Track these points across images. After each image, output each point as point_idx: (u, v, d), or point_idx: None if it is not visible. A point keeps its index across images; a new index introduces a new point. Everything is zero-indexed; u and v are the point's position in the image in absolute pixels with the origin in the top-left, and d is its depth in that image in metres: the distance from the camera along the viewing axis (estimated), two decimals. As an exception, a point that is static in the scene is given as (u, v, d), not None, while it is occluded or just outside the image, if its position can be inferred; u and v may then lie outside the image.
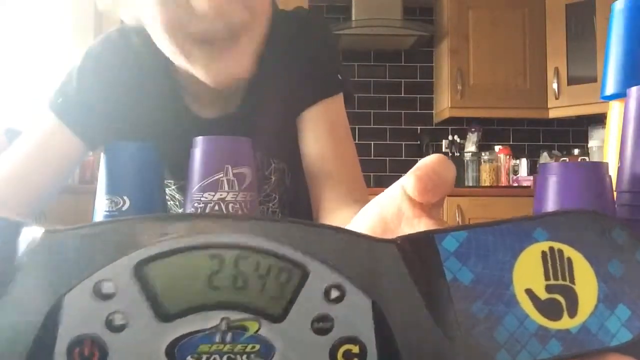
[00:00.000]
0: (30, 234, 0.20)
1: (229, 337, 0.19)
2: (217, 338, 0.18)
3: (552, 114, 3.06)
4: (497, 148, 3.19)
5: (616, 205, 0.43)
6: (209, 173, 0.45)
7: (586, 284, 0.21)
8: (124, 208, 0.48)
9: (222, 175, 0.45)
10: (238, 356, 0.18)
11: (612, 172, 0.46)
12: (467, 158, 3.20)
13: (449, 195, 2.85)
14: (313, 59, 0.76)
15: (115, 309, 0.18)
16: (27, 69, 2.65)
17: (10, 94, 2.60)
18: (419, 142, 3.31)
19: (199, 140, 0.47)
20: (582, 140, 3.27)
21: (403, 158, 3.31)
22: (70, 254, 0.19)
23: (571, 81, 2.98)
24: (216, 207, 0.45)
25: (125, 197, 0.48)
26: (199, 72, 0.62)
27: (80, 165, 2.88)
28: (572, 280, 0.21)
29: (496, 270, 0.21)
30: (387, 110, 3.32)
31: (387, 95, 3.33)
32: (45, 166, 0.70)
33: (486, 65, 3.04)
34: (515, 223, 0.22)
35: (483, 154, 3.17)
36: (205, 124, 0.74)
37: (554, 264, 0.21)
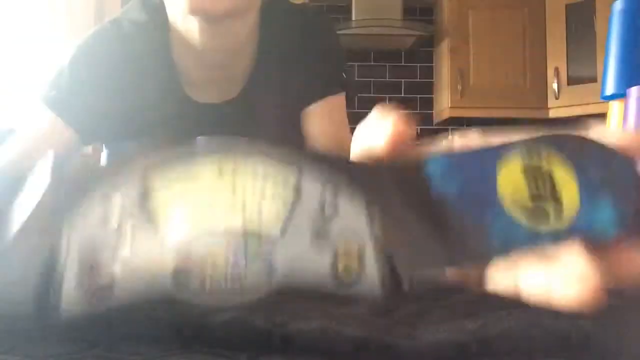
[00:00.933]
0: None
1: (230, 256, 0.19)
2: (221, 258, 0.19)
3: (552, 114, 3.06)
4: (497, 148, 3.18)
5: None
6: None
7: (568, 188, 0.22)
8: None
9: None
10: (241, 275, 0.19)
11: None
12: (467, 158, 3.19)
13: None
14: (321, 56, 0.76)
15: (120, 230, 0.19)
16: (26, 67, 2.65)
17: (9, 93, 2.59)
18: (419, 142, 3.30)
19: (198, 141, 0.47)
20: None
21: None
22: (78, 180, 0.20)
23: (571, 81, 2.98)
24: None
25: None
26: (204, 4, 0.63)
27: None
28: (554, 188, 0.22)
29: (480, 185, 0.22)
30: (387, 110, 3.31)
31: (387, 95, 3.32)
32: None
33: (486, 65, 3.03)
34: (494, 145, 0.23)
35: (483, 154, 3.17)
36: (204, 110, 0.74)
37: (534, 176, 0.22)
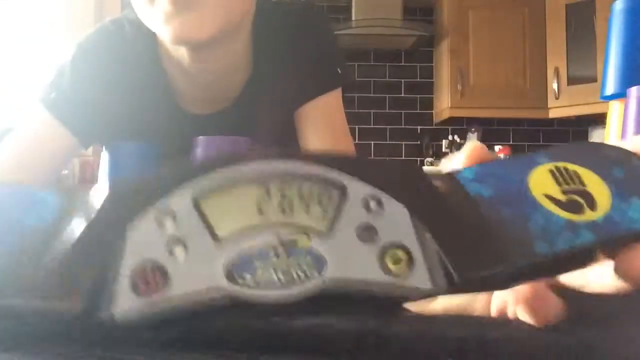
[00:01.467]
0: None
1: (281, 251, 0.20)
2: (271, 253, 0.20)
3: (552, 114, 3.06)
4: (497, 148, 3.18)
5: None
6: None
7: (597, 186, 0.23)
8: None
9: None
10: (292, 269, 0.20)
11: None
12: (467, 158, 3.19)
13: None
14: (311, 54, 0.75)
15: (174, 234, 0.20)
16: (25, 66, 2.65)
17: (9, 92, 2.59)
18: (419, 142, 3.31)
19: (198, 140, 0.47)
20: (582, 140, 3.26)
21: (403, 158, 3.30)
22: (131, 192, 0.21)
23: (571, 81, 2.98)
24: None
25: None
26: (163, 29, 0.62)
27: (81, 165, 2.88)
28: (583, 185, 0.23)
29: (513, 185, 0.23)
30: (387, 110, 3.32)
31: (387, 95, 3.33)
32: (37, 165, 0.69)
33: (486, 65, 3.04)
34: (520, 155, 0.24)
35: (483, 154, 3.17)
36: (196, 120, 0.74)
37: (562, 176, 0.23)
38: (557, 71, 3.01)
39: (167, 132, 0.72)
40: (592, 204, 0.22)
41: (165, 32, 0.62)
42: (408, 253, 0.20)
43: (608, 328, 0.24)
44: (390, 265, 0.20)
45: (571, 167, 0.23)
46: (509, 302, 0.25)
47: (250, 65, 0.74)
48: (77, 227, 0.20)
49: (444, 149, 3.29)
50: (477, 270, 0.20)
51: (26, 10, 2.77)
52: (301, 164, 0.21)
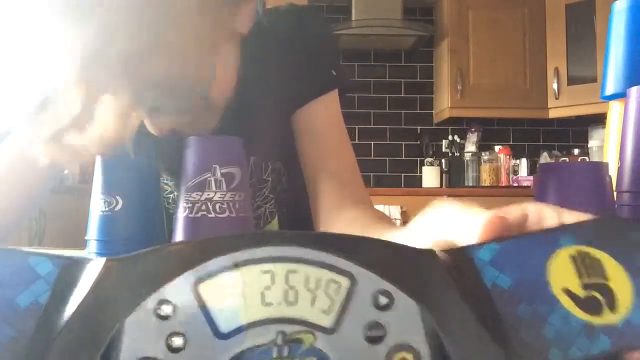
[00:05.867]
0: (93, 265, 0.20)
1: (285, 351, 0.19)
2: (275, 353, 0.19)
3: (552, 114, 3.06)
4: (497, 148, 3.18)
5: (616, 205, 0.42)
6: (197, 173, 0.45)
7: (620, 280, 0.21)
8: (117, 208, 0.48)
9: (209, 175, 0.45)
10: None
11: (612, 172, 0.46)
12: (467, 158, 3.19)
13: (448, 195, 2.84)
14: (306, 57, 0.73)
15: (174, 329, 0.19)
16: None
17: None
18: (419, 142, 3.31)
19: (190, 140, 0.47)
20: (582, 140, 3.26)
21: (403, 158, 3.30)
22: (128, 279, 0.19)
23: (571, 81, 2.98)
24: (203, 207, 0.45)
25: (118, 197, 0.48)
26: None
27: (80, 165, 2.88)
28: (605, 278, 0.21)
29: (532, 274, 0.21)
30: (387, 110, 3.32)
31: (387, 95, 3.32)
32: (15, 192, 0.67)
33: (486, 65, 3.03)
34: (542, 232, 0.23)
35: (483, 154, 3.17)
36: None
37: (584, 265, 0.21)
38: (557, 71, 3.01)
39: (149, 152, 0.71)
40: (612, 302, 0.21)
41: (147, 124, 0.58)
42: (417, 357, 0.19)
43: None
44: None
45: (594, 253, 0.22)
46: None
47: (239, 69, 0.73)
48: (71, 311, 0.19)
49: (444, 149, 3.29)
50: None
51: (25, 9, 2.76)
52: (308, 249, 0.20)
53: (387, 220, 0.65)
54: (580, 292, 0.21)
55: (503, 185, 3.09)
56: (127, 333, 0.18)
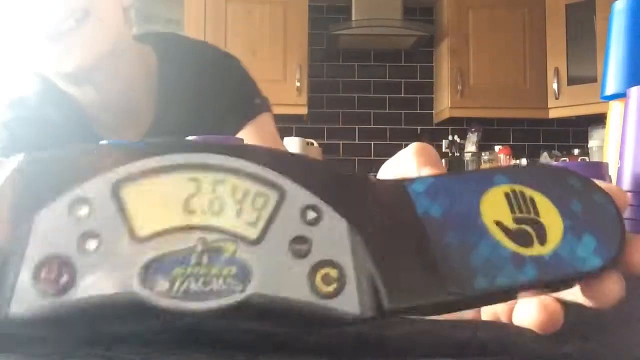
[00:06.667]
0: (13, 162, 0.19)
1: (205, 258, 0.18)
2: (193, 260, 0.18)
3: (552, 114, 3.06)
4: (497, 148, 3.18)
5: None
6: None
7: (551, 217, 0.22)
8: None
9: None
10: (214, 279, 0.18)
11: (612, 172, 0.46)
12: (467, 158, 3.19)
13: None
14: (229, 95, 0.80)
15: (88, 228, 0.18)
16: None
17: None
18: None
19: (191, 140, 0.47)
20: (582, 140, 3.26)
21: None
22: (45, 175, 0.18)
23: (571, 81, 2.98)
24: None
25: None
26: (54, 65, 0.68)
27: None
28: (537, 214, 0.22)
29: (464, 205, 0.22)
30: (387, 111, 3.32)
31: (387, 95, 3.32)
32: None
33: (486, 65, 3.03)
34: (479, 171, 0.23)
35: (483, 154, 3.17)
36: None
37: (517, 201, 0.22)
38: (557, 71, 3.01)
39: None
40: (542, 236, 0.21)
41: (58, 67, 0.68)
42: (341, 272, 0.19)
43: (606, 336, 0.24)
44: (320, 285, 0.19)
45: (528, 192, 0.22)
46: (500, 309, 0.25)
47: (156, 93, 0.79)
48: None
49: (444, 149, 3.29)
50: (409, 299, 0.19)
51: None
52: (240, 160, 0.19)
53: None
54: (512, 225, 0.21)
55: (503, 185, 3.09)
56: (36, 229, 0.17)
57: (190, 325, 0.19)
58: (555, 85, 3.01)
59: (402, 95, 3.34)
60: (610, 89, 0.56)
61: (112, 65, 0.73)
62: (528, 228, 0.21)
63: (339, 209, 0.20)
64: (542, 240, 0.21)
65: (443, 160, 3.21)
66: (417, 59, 3.34)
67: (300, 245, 0.19)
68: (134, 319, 0.18)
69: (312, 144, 2.98)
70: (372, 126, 3.29)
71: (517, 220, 0.22)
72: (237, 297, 0.18)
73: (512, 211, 0.22)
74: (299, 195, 0.19)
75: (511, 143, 3.28)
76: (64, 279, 0.17)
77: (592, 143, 3.08)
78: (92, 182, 0.18)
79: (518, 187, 0.22)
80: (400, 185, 0.22)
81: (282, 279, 0.18)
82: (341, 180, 0.21)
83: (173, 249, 0.18)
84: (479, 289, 0.20)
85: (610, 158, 0.54)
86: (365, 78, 3.30)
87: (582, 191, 0.22)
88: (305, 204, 0.19)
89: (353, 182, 0.21)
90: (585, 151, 3.15)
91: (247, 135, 0.78)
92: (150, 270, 0.18)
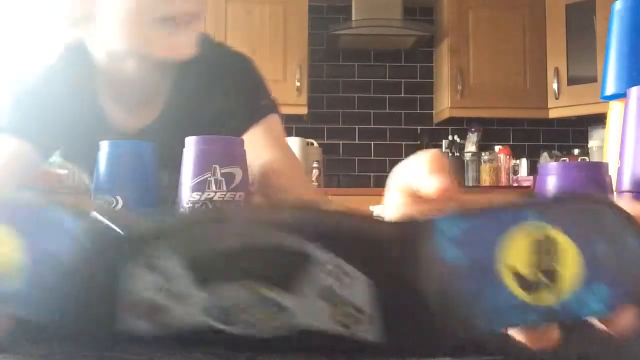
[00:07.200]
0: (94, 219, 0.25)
1: (252, 300, 0.23)
2: (243, 301, 0.23)
3: (552, 114, 3.06)
4: (497, 148, 3.18)
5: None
6: (198, 173, 0.45)
7: (570, 265, 0.22)
8: (117, 208, 0.48)
9: (209, 175, 0.45)
10: (260, 314, 0.23)
11: (612, 172, 0.46)
12: (467, 158, 3.19)
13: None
14: (240, 94, 0.82)
15: (164, 279, 0.23)
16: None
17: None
18: (419, 142, 3.31)
19: (190, 140, 0.47)
20: (582, 140, 3.26)
21: (403, 158, 3.27)
22: (126, 237, 0.24)
23: (571, 81, 2.98)
24: (203, 207, 0.45)
25: (117, 197, 0.48)
26: (157, 49, 0.70)
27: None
28: (556, 262, 0.22)
29: (485, 250, 0.22)
30: (387, 110, 3.32)
31: (387, 95, 3.32)
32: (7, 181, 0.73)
33: (486, 65, 3.03)
34: (507, 204, 0.23)
35: (483, 154, 3.17)
36: (123, 136, 0.79)
37: (539, 247, 0.22)
38: (557, 71, 3.01)
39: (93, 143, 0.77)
40: (555, 286, 0.22)
41: (162, 53, 0.71)
42: (359, 311, 0.23)
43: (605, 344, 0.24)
44: (342, 319, 0.23)
45: (555, 235, 0.22)
46: None
47: (168, 92, 0.81)
48: (85, 264, 0.24)
49: (444, 149, 3.28)
50: (417, 347, 0.23)
51: (26, 10, 2.77)
52: (272, 230, 0.23)
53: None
54: (527, 273, 0.22)
55: (503, 185, 3.09)
56: (127, 281, 0.23)
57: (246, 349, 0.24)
58: (555, 85, 3.01)
59: (402, 95, 3.34)
60: (610, 89, 0.56)
61: None
62: (543, 278, 0.22)
63: (360, 267, 0.23)
64: (554, 290, 0.22)
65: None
66: (417, 59, 3.34)
67: (326, 293, 0.23)
68: (204, 343, 0.23)
69: (312, 144, 2.98)
70: (372, 126, 3.29)
71: (534, 268, 0.22)
72: (279, 329, 0.23)
73: (532, 258, 0.22)
74: (322, 258, 0.23)
75: (511, 143, 3.28)
76: (154, 311, 0.23)
77: (592, 143, 3.08)
78: (162, 250, 0.23)
79: (545, 230, 0.22)
80: (429, 227, 0.23)
81: (314, 314, 0.23)
82: (363, 241, 0.23)
83: (229, 294, 0.23)
84: (482, 333, 0.21)
85: (610, 158, 0.54)
86: (365, 78, 3.30)
87: (615, 232, 0.22)
88: (328, 265, 0.23)
89: (376, 242, 0.23)
90: (585, 151, 3.15)
91: (255, 135, 0.78)
92: (214, 308, 0.23)
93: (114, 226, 0.24)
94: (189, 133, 0.76)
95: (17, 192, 0.26)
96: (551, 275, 0.22)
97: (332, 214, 0.24)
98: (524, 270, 0.22)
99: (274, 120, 0.83)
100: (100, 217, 0.24)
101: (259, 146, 0.77)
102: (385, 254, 0.23)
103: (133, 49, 0.72)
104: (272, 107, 0.84)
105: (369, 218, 0.24)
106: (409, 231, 0.23)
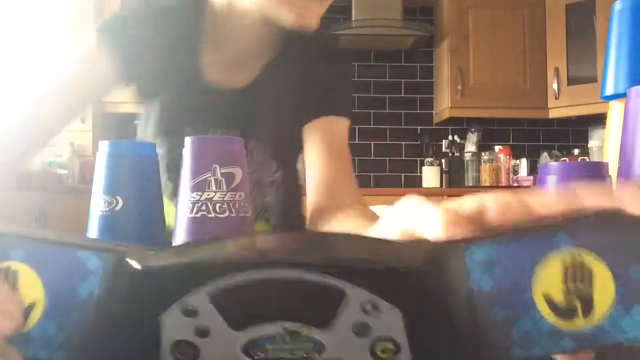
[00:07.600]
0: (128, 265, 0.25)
1: (287, 338, 0.24)
2: (279, 339, 0.24)
3: (552, 114, 3.06)
4: (497, 148, 3.18)
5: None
6: (198, 173, 0.45)
7: (604, 288, 0.22)
8: (117, 208, 0.48)
9: (209, 175, 0.45)
10: (297, 351, 0.24)
11: (612, 172, 0.46)
12: (467, 158, 3.19)
13: (448, 196, 2.84)
14: (332, 78, 0.81)
15: (200, 324, 0.24)
16: (24, 66, 2.65)
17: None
18: (419, 142, 3.31)
19: (189, 140, 0.47)
20: (582, 140, 3.26)
21: (403, 158, 3.30)
22: (160, 284, 0.24)
23: (571, 81, 2.98)
24: (203, 207, 0.45)
25: (118, 197, 0.48)
26: (287, 12, 0.68)
27: (80, 165, 2.88)
28: (590, 285, 0.22)
29: (517, 277, 0.22)
30: (387, 110, 3.32)
31: (387, 95, 3.32)
32: (72, 90, 0.73)
33: (486, 65, 3.03)
34: (540, 227, 0.23)
35: (483, 154, 3.17)
36: (217, 93, 0.77)
37: (572, 272, 0.22)
38: (557, 71, 3.01)
39: (188, 98, 0.77)
40: (588, 310, 0.21)
41: (286, 14, 0.68)
42: (397, 346, 0.23)
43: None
44: (379, 354, 0.23)
45: (588, 259, 0.22)
46: None
47: (273, 50, 0.79)
48: (117, 306, 0.25)
49: (444, 149, 3.29)
50: None
51: (25, 10, 2.77)
52: (307, 272, 0.23)
53: (372, 218, 0.70)
54: (560, 298, 0.22)
55: (503, 185, 3.09)
56: (164, 325, 0.24)
57: None
58: (555, 85, 3.01)
59: (402, 95, 3.34)
60: (610, 89, 0.56)
61: None
62: (576, 301, 0.22)
63: (393, 302, 0.23)
64: (587, 314, 0.21)
65: (443, 161, 3.22)
66: (417, 59, 3.34)
67: (361, 329, 0.23)
68: None
69: (312, 144, 2.97)
70: (372, 126, 3.29)
71: (567, 293, 0.22)
72: None
73: (565, 283, 0.22)
74: (357, 295, 0.23)
75: (511, 143, 3.28)
76: (191, 354, 0.24)
77: (592, 143, 3.08)
78: (197, 291, 0.24)
79: (578, 255, 0.22)
80: (460, 250, 0.23)
81: (349, 351, 0.23)
82: (395, 279, 0.23)
83: (263, 333, 0.24)
84: (515, 358, 0.21)
85: (610, 158, 0.54)
86: (365, 78, 3.30)
87: None
88: (363, 301, 0.23)
89: (406, 278, 0.23)
90: (585, 151, 3.15)
91: (326, 127, 0.79)
92: (249, 346, 0.24)
93: (145, 271, 0.24)
94: (274, 105, 0.77)
95: (46, 231, 0.26)
96: (584, 298, 0.22)
97: (361, 248, 0.25)
98: (558, 296, 0.22)
99: (341, 124, 0.82)
100: (134, 264, 0.25)
101: (317, 149, 0.77)
102: (417, 285, 0.23)
103: (265, 4, 0.69)
104: (345, 111, 0.83)
105: (398, 247, 0.25)
106: (439, 260, 0.23)
